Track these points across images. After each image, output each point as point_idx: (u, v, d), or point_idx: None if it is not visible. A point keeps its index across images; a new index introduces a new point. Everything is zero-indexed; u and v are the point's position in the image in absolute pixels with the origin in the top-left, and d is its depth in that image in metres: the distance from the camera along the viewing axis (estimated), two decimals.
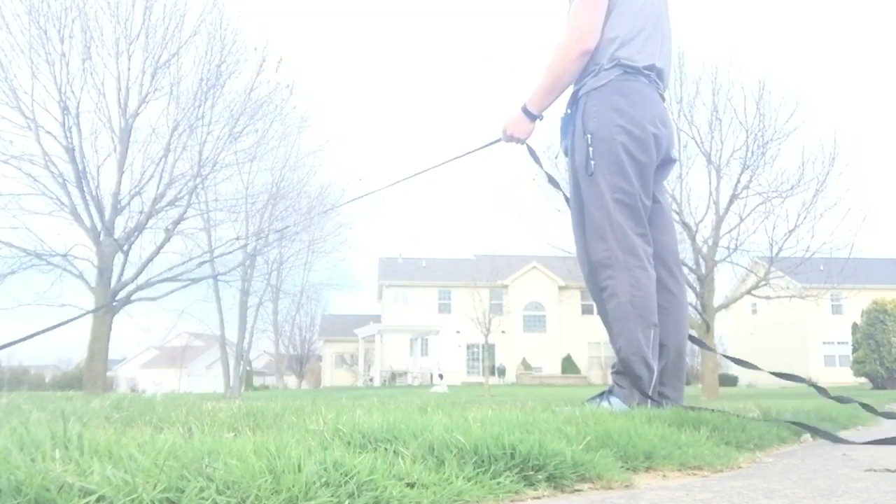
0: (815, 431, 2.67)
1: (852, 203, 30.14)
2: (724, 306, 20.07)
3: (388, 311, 42.96)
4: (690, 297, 19.01)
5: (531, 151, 3.27)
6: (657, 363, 2.79)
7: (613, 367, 2.84)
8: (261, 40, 26.47)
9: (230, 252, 17.75)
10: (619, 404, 2.72)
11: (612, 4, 2.92)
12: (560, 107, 3.10)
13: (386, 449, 1.43)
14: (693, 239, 18.93)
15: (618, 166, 2.81)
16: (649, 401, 2.70)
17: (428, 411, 2.36)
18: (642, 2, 3.00)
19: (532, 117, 3.03)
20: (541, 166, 3.43)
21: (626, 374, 2.74)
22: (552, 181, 3.48)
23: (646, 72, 2.92)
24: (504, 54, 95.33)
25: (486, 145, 3.23)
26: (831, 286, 20.62)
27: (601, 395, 2.86)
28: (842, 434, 2.85)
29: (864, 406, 3.17)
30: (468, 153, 3.25)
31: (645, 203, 2.88)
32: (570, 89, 3.04)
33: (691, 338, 3.93)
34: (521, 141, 3.10)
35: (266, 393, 30.02)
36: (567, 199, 3.18)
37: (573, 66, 2.89)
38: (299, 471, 1.11)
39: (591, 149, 2.82)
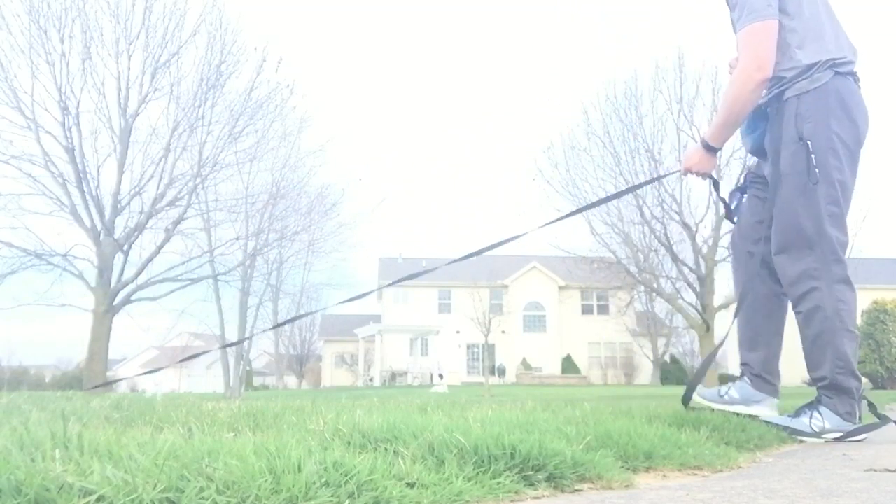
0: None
1: (852, 203, 30.05)
2: (724, 306, 20.05)
3: (388, 311, 42.96)
4: (690, 297, 19.01)
5: (715, 185, 3.54)
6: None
7: (818, 379, 2.80)
8: (261, 40, 26.53)
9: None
10: (829, 414, 2.74)
11: (789, 8, 2.83)
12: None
13: (386, 449, 1.43)
14: (693, 239, 18.94)
15: (833, 176, 2.75)
16: (857, 413, 2.74)
17: (428, 411, 2.36)
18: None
19: (714, 151, 3.06)
20: (718, 194, 3.58)
21: (835, 388, 2.75)
22: (728, 211, 3.33)
23: (852, 72, 2.85)
24: (504, 52, 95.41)
25: (665, 176, 3.30)
26: None
27: (809, 405, 2.83)
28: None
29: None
30: (645, 184, 3.34)
31: (845, 212, 2.85)
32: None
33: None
34: (705, 176, 3.15)
35: (266, 393, 30.02)
36: (729, 213, 3.15)
37: (753, 97, 2.83)
38: (299, 471, 1.11)
39: (813, 156, 2.74)
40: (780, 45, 2.80)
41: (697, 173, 3.11)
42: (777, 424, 2.80)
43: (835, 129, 2.75)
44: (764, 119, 2.95)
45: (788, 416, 2.87)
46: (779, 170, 2.83)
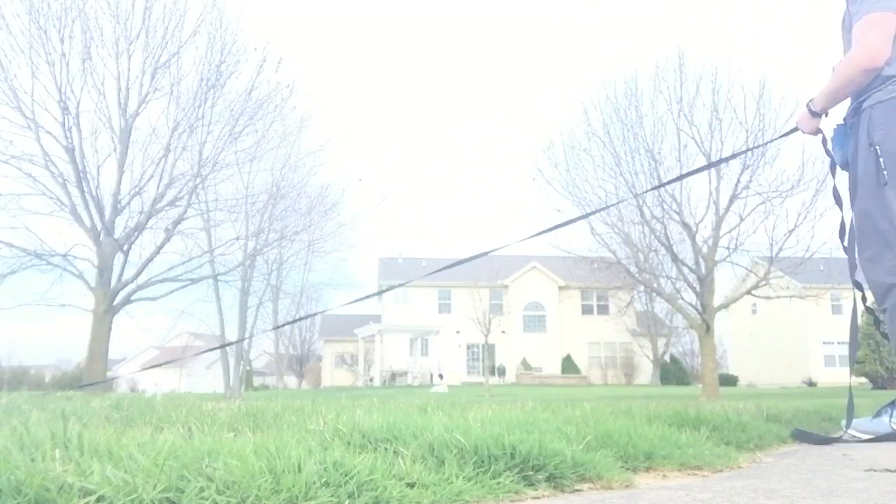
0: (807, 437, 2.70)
1: None
2: (724, 306, 20.05)
3: (388, 311, 42.96)
4: (690, 297, 18.99)
5: (828, 151, 3.56)
6: None
7: None
8: (261, 40, 26.53)
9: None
10: None
11: None
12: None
13: (386, 449, 1.43)
14: (693, 239, 18.92)
15: None
16: None
17: (428, 411, 2.36)
18: None
19: (814, 114, 3.21)
20: (832, 169, 3.63)
21: None
22: (835, 194, 3.47)
23: None
24: (504, 52, 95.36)
25: (781, 136, 3.54)
26: (831, 286, 20.57)
27: (891, 403, 2.91)
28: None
29: None
30: (765, 144, 3.41)
31: None
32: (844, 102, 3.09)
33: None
34: (812, 133, 3.31)
35: (266, 393, 30.02)
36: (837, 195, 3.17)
37: (859, 78, 2.93)
38: (299, 471, 1.11)
39: (881, 160, 2.81)
40: None
41: (803, 132, 3.32)
42: (859, 438, 2.83)
43: None
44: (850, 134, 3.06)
45: (870, 418, 2.91)
46: (855, 177, 2.93)
